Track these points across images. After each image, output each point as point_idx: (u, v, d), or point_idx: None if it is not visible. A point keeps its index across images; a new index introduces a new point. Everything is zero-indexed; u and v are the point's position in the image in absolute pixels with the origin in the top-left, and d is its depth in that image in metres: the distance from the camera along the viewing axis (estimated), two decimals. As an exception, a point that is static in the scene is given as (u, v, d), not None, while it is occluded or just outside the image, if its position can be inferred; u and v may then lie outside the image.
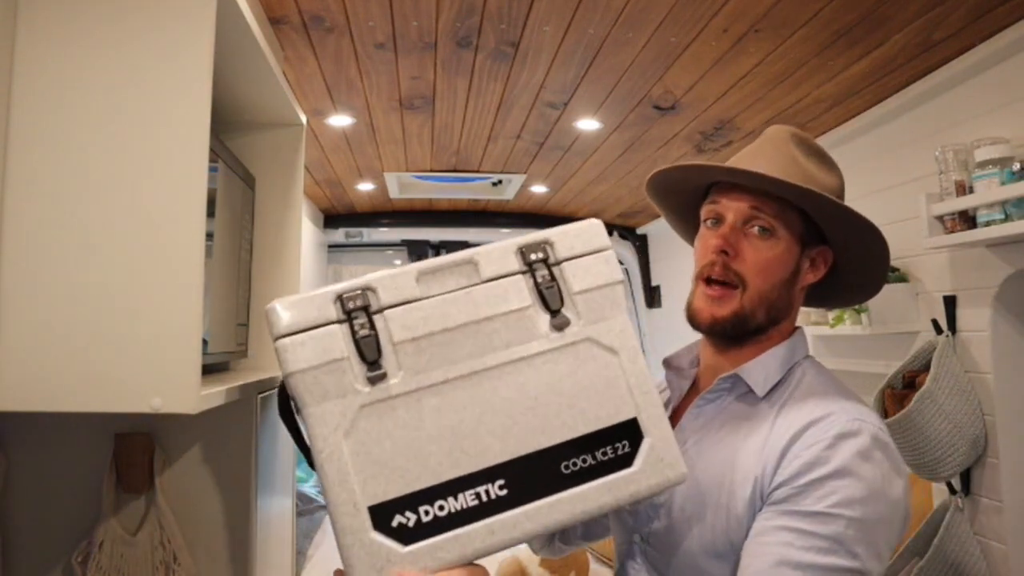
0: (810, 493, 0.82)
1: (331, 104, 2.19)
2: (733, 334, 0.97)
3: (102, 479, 1.06)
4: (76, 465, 1.07)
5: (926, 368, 1.85)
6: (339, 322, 0.77)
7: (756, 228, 0.95)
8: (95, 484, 1.06)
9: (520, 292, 0.80)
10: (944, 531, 1.76)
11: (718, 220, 0.98)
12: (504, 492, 0.75)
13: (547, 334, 0.80)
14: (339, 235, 4.03)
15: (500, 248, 0.82)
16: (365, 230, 4.05)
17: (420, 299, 0.79)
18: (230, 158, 1.22)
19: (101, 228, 0.84)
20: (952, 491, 1.82)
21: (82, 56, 0.86)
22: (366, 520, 0.73)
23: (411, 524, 0.73)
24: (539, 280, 0.81)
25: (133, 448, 1.07)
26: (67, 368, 0.83)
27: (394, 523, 0.73)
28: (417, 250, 4.28)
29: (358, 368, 0.76)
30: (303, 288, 1.57)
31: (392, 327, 0.77)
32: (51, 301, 0.83)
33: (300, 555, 2.94)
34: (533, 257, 0.82)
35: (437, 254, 4.32)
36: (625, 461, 0.78)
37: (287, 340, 0.75)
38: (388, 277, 0.79)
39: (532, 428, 0.77)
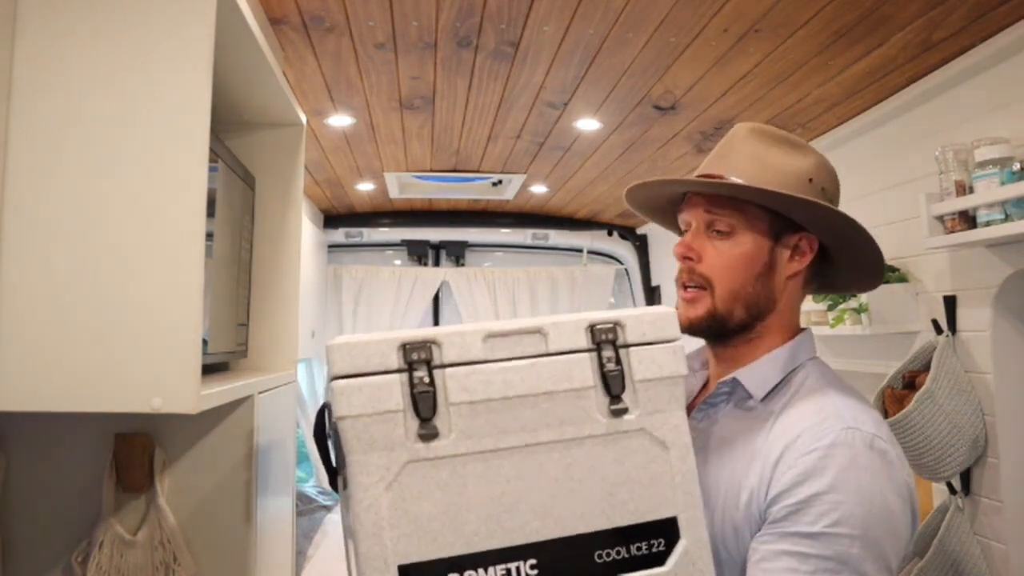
0: (808, 511, 0.80)
1: (331, 104, 2.19)
2: (714, 333, 0.98)
3: (102, 479, 1.06)
4: (76, 465, 1.07)
5: (926, 368, 1.85)
6: (399, 371, 0.75)
7: (715, 231, 0.97)
8: (95, 484, 1.06)
9: (584, 372, 0.79)
10: (944, 531, 1.76)
11: (688, 227, 1.01)
12: (534, 572, 0.74)
13: (603, 419, 0.79)
14: (339, 235, 4.02)
15: (571, 322, 0.80)
16: (365, 230, 4.05)
17: (484, 361, 0.77)
18: (230, 158, 1.22)
19: (101, 228, 0.84)
20: (952, 491, 1.82)
21: (82, 56, 0.86)
22: None
23: None
24: (604, 362, 0.80)
25: (133, 448, 1.07)
26: (67, 368, 0.83)
27: None
28: (417, 250, 4.28)
29: (411, 423, 0.74)
30: (303, 288, 1.58)
31: (451, 386, 0.76)
32: (51, 301, 0.83)
33: (300, 555, 2.94)
34: (602, 337, 0.80)
35: (437, 254, 4.32)
36: (658, 559, 0.77)
37: (343, 383, 0.73)
38: (456, 334, 0.77)
39: (572, 511, 0.76)
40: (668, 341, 0.82)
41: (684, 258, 0.98)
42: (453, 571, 0.72)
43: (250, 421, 1.14)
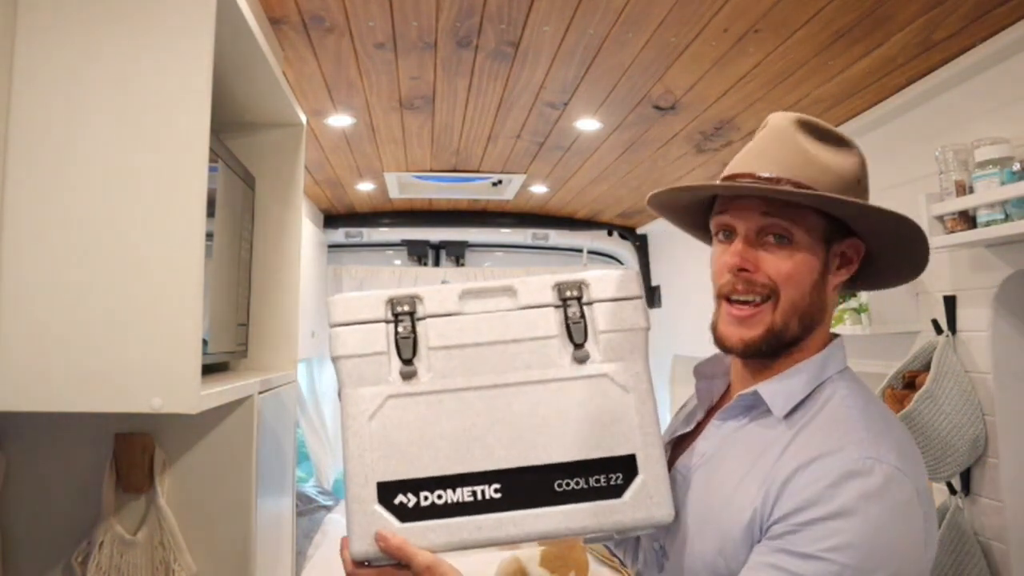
0: (805, 533, 0.77)
1: (331, 104, 2.19)
2: (769, 352, 0.90)
3: (102, 479, 1.06)
4: (76, 465, 1.07)
5: (926, 368, 1.85)
6: (386, 321, 0.88)
7: (772, 237, 0.87)
8: (95, 484, 1.06)
9: (549, 323, 0.89)
10: (944, 531, 1.76)
11: (730, 232, 0.91)
12: (498, 495, 0.83)
13: (567, 364, 0.88)
14: (339, 235, 4.02)
15: (539, 281, 0.90)
16: (365, 230, 4.05)
17: (459, 314, 0.89)
18: (230, 158, 1.22)
19: (101, 228, 0.85)
20: (952, 491, 1.82)
21: (82, 57, 0.86)
22: (373, 492, 0.83)
23: (410, 505, 0.83)
24: (569, 315, 0.89)
25: (133, 448, 1.07)
26: (67, 368, 0.83)
27: (396, 501, 0.83)
28: (417, 250, 4.27)
29: (394, 363, 0.87)
30: (303, 288, 1.58)
31: (430, 333, 0.88)
32: (51, 301, 0.83)
33: (300, 555, 2.94)
34: (568, 294, 0.90)
35: (437, 254, 4.32)
36: (616, 491, 0.84)
37: (340, 328, 0.87)
38: (435, 291, 0.90)
39: (535, 444, 0.85)
40: (629, 298, 0.90)
41: (739, 270, 0.87)
42: (424, 489, 0.83)
43: (250, 421, 1.14)
